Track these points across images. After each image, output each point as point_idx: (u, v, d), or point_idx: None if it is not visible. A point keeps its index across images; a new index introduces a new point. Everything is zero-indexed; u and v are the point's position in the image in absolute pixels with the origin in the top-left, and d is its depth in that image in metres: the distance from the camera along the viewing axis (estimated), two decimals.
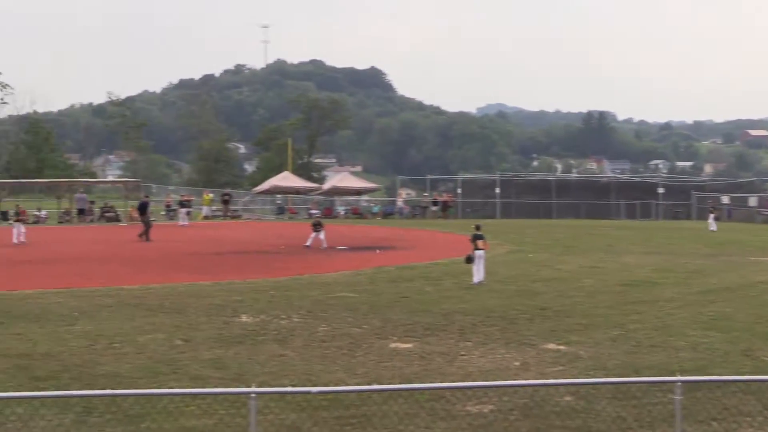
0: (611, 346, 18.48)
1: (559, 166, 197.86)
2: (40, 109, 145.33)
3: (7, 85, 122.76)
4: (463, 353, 17.78)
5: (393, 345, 18.56)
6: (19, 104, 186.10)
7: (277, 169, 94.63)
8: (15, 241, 43.64)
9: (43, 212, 64.39)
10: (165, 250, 40.89)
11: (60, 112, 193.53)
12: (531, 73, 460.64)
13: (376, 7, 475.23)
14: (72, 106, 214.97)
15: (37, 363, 16.68)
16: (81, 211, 64.84)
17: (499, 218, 70.81)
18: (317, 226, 42.81)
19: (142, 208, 49.10)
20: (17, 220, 46.39)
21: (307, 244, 41.24)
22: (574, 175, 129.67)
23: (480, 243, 28.38)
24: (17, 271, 32.52)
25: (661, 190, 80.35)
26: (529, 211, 74.62)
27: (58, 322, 20.95)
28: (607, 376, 15.64)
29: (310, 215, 70.64)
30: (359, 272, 31.49)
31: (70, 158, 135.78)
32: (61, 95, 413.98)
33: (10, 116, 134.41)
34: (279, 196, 78.46)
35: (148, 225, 47.45)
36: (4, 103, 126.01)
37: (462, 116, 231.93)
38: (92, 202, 69.99)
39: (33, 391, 14.01)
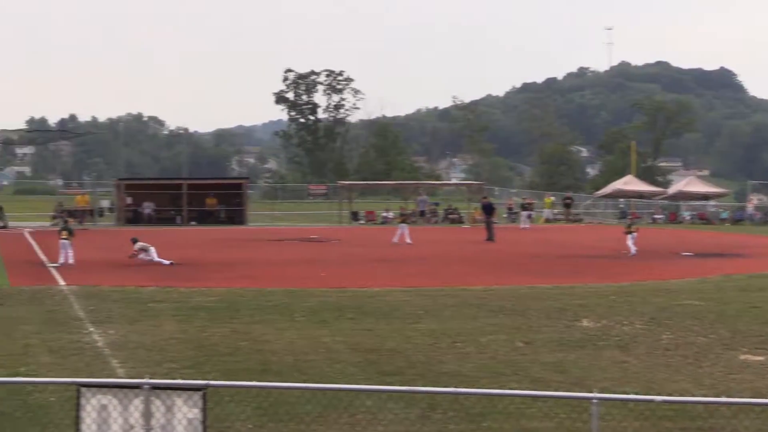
0: None
1: None
2: (389, 114, 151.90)
3: (359, 91, 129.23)
4: None
5: (743, 357, 17.74)
6: (370, 109, 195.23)
7: (620, 173, 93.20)
8: (409, 240, 44.54)
9: (390, 213, 66.87)
10: (506, 252, 41.31)
11: (407, 117, 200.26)
12: None
13: (724, 4, 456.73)
14: (418, 111, 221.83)
15: (384, 358, 17.33)
16: (421, 213, 66.90)
17: None
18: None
19: (488, 209, 50.00)
20: (402, 221, 47.76)
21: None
22: None
23: None
24: (368, 269, 33.98)
25: None
26: None
27: (404, 320, 21.69)
28: None
29: (653, 220, 69.16)
30: (705, 279, 30.37)
31: (416, 161, 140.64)
32: (408, 100, 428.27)
33: (362, 121, 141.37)
34: (622, 200, 77.24)
35: (491, 225, 48.34)
36: (356, 108, 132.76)
37: None
38: (436, 204, 72.04)
39: (380, 385, 14.55)
